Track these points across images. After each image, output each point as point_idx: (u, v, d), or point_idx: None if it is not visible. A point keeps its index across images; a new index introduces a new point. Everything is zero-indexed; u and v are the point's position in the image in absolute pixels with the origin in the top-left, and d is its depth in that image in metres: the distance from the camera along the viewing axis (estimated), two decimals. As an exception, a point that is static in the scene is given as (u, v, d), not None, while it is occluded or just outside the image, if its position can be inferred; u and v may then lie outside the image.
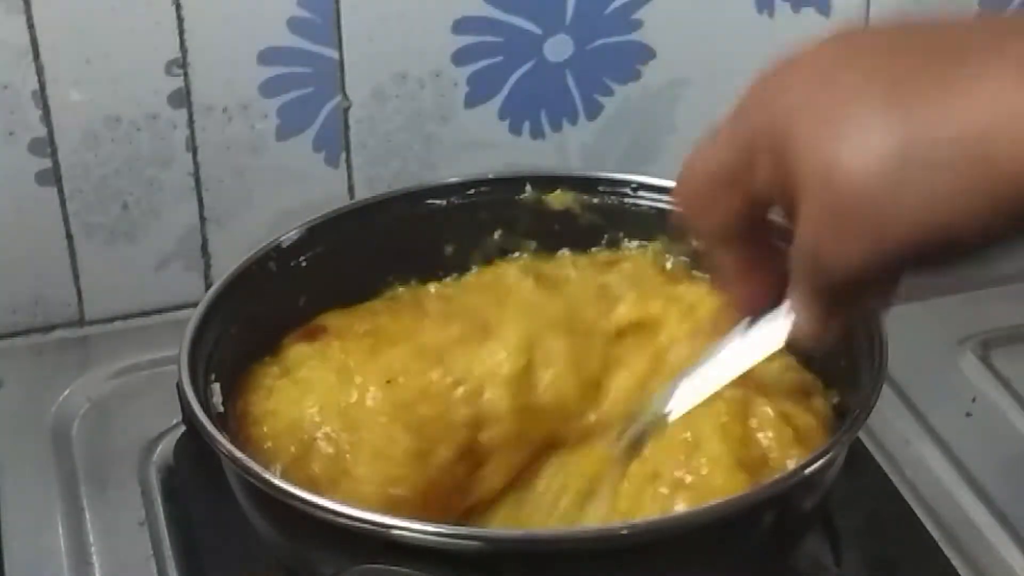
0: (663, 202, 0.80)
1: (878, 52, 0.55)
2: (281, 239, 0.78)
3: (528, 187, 0.82)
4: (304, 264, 0.79)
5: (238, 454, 0.66)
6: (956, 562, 0.75)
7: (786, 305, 0.61)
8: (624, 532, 0.64)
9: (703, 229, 0.62)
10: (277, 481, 0.65)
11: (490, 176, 0.83)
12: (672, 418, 0.67)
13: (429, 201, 0.82)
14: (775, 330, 0.62)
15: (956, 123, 0.52)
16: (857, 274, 0.56)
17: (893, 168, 0.53)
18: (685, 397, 0.67)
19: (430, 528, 0.61)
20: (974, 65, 0.52)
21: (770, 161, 0.57)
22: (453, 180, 0.83)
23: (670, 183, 0.64)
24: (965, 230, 0.53)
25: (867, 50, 0.56)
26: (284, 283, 0.78)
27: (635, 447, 0.69)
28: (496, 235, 0.82)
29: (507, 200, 0.82)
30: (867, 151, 0.53)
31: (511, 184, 0.82)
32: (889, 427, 0.83)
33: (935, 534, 0.77)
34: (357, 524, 0.62)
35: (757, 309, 0.64)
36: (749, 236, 0.61)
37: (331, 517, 0.62)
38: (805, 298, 0.60)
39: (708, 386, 0.66)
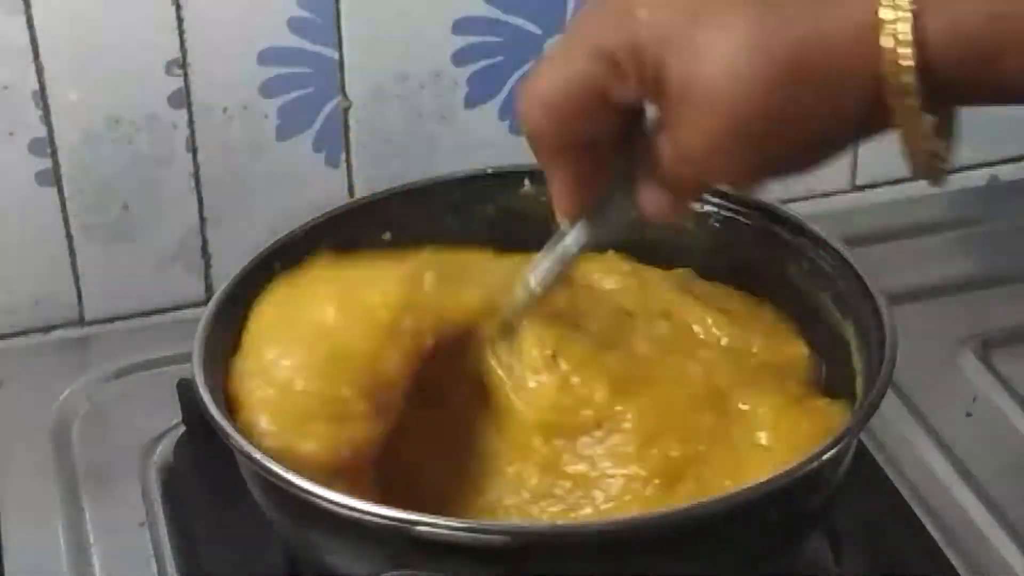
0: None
1: None
2: (293, 235, 0.78)
3: (527, 182, 0.81)
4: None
5: (256, 453, 0.65)
6: (956, 562, 0.75)
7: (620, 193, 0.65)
8: (664, 521, 0.63)
9: (562, 141, 0.63)
10: (296, 479, 0.63)
11: (489, 171, 0.83)
12: (539, 291, 0.70)
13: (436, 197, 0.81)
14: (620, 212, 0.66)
15: (831, 25, 0.55)
16: (734, 179, 0.60)
17: (772, 75, 0.55)
18: (547, 272, 0.69)
19: (454, 524, 0.61)
20: None
21: (637, 69, 0.58)
22: (455, 175, 0.82)
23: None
24: (839, 128, 0.57)
25: None
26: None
27: (509, 326, 0.71)
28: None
29: (507, 195, 0.81)
30: (743, 61, 0.55)
31: (510, 179, 0.82)
32: (889, 427, 0.83)
33: (935, 534, 0.77)
34: (380, 522, 0.61)
35: (584, 211, 0.67)
36: (598, 147, 0.63)
37: (355, 515, 0.62)
38: (659, 190, 0.62)
39: (566, 257, 0.69)
